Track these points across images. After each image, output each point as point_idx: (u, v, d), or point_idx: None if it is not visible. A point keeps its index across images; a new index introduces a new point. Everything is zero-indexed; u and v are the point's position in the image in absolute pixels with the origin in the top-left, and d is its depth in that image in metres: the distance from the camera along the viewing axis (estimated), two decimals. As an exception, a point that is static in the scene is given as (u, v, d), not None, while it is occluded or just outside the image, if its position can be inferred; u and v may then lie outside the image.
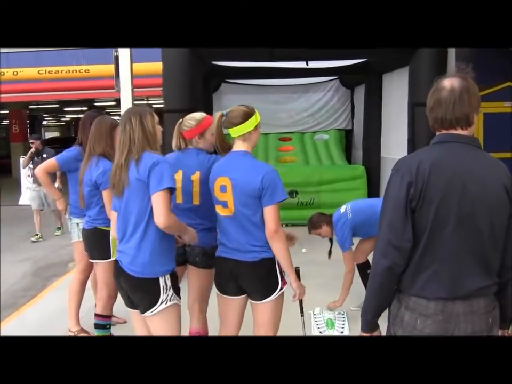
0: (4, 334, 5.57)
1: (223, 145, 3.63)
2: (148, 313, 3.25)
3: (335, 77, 13.07)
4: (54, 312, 6.11)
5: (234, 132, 3.48)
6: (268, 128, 13.05)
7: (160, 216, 3.14)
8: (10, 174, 23.77)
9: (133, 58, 7.37)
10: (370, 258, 5.00)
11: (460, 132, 2.42)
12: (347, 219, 5.56)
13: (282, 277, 3.52)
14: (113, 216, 3.43)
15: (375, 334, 2.55)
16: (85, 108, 26.00)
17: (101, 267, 4.52)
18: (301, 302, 4.20)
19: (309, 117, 13.45)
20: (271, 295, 3.48)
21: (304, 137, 13.25)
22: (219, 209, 3.52)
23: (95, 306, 4.89)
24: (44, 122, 46.03)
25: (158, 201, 3.14)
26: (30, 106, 26.55)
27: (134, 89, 7.58)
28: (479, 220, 2.33)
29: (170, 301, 3.27)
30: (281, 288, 3.51)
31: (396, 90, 9.98)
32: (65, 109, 28.73)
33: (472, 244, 2.35)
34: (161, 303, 3.23)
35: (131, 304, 3.39)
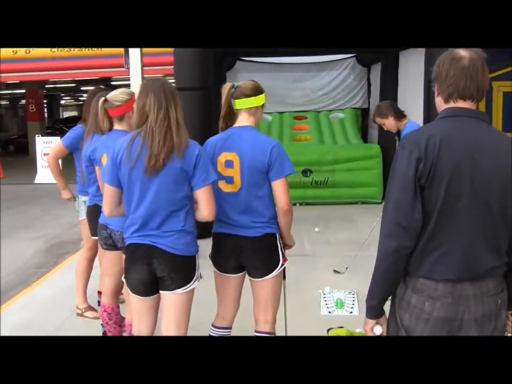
0: (14, 310, 5.62)
1: (229, 119, 3.51)
2: (179, 290, 3.19)
3: (352, 55, 12.89)
4: (64, 289, 6.12)
5: (243, 103, 3.41)
6: (283, 106, 12.95)
7: (209, 210, 3.17)
8: (27, 153, 23.89)
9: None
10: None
11: (469, 105, 2.32)
12: None
13: (283, 253, 3.50)
14: (109, 190, 3.22)
15: (380, 321, 2.46)
16: (102, 87, 25.98)
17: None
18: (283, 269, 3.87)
19: (325, 95, 13.27)
20: (272, 271, 3.45)
21: (320, 115, 13.10)
22: (222, 185, 3.43)
23: (99, 293, 4.84)
24: (62, 102, 46.27)
25: (207, 194, 3.16)
26: (47, 86, 26.60)
27: (145, 68, 7.51)
28: (491, 197, 2.23)
29: (200, 278, 3.28)
30: (282, 265, 3.48)
31: (413, 68, 9.81)
32: (82, 88, 28.73)
33: (483, 223, 2.25)
34: (195, 280, 3.24)
35: (149, 290, 3.25)
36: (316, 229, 8.46)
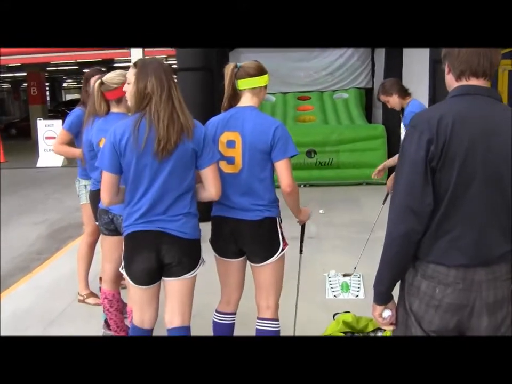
0: (15, 297, 5.56)
1: (233, 99, 3.41)
2: (187, 276, 3.12)
3: (355, 47, 12.72)
4: (65, 275, 6.06)
5: (247, 83, 3.32)
6: (287, 87, 12.82)
7: (217, 188, 3.13)
8: (30, 136, 23.82)
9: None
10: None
11: (482, 83, 2.20)
12: None
13: (283, 237, 3.41)
14: (109, 177, 3.05)
15: (389, 306, 2.37)
16: (104, 69, 25.85)
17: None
18: (303, 228, 3.90)
19: (328, 75, 13.14)
20: (272, 256, 3.36)
21: (323, 96, 12.97)
22: (223, 166, 3.33)
23: (100, 279, 4.76)
24: (64, 85, 46.12)
25: (215, 172, 3.12)
26: (48, 68, 26.46)
27: (146, 49, 7.38)
28: (504, 179, 2.13)
29: (203, 262, 3.23)
30: (282, 249, 3.40)
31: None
32: (85, 70, 28.56)
33: (496, 206, 2.15)
34: (200, 263, 3.19)
35: (154, 279, 3.15)
36: (321, 211, 8.36)
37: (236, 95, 3.38)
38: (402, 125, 5.35)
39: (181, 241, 3.06)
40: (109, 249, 4.01)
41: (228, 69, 3.34)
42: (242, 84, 3.32)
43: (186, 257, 3.09)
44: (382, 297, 2.35)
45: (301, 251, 4.02)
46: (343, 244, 6.68)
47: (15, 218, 9.44)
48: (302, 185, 10.29)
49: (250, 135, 3.26)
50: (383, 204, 5.77)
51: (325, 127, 11.21)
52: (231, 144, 3.31)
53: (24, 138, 25.00)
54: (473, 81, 2.19)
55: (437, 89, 7.95)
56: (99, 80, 3.86)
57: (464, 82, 2.21)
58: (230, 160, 3.32)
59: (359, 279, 5.46)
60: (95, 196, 4.36)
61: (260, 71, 3.36)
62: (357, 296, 5.12)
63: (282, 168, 3.27)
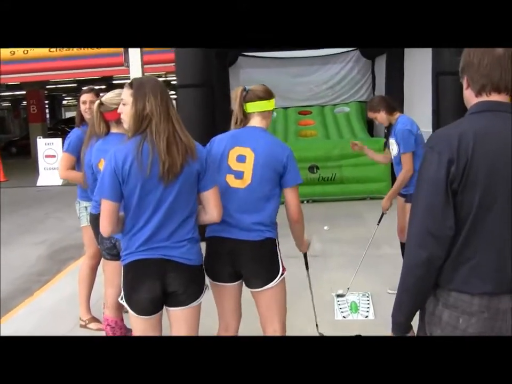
0: (16, 321, 5.43)
1: (242, 122, 3.37)
2: (194, 304, 2.99)
3: (355, 48, 12.67)
4: (67, 298, 5.93)
5: (256, 106, 3.32)
6: (287, 102, 12.77)
7: (219, 210, 3.04)
8: (29, 155, 23.76)
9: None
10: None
11: (503, 98, 2.09)
12: (416, 133, 5.11)
13: (282, 261, 3.33)
14: (110, 206, 2.88)
15: (410, 334, 2.25)
16: (103, 87, 25.89)
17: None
18: (305, 256, 3.92)
19: (329, 89, 13.11)
20: (272, 280, 3.25)
21: (325, 110, 12.92)
22: (230, 180, 3.26)
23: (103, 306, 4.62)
24: (64, 102, 46.14)
25: (217, 194, 3.03)
26: (48, 86, 26.47)
27: (145, 66, 7.30)
28: None
29: (208, 287, 3.13)
30: (281, 274, 3.30)
31: (419, 59, 9.60)
32: (84, 88, 28.58)
33: None
34: (205, 289, 3.07)
35: (157, 308, 3.00)
36: (325, 227, 8.26)
37: (245, 118, 3.34)
38: (391, 140, 5.25)
39: (187, 268, 2.93)
40: (112, 274, 3.89)
41: (237, 92, 3.32)
42: (251, 107, 3.30)
43: (192, 285, 2.96)
44: (401, 328, 2.23)
45: (307, 268, 4.01)
46: (349, 261, 6.54)
47: (15, 238, 9.34)
48: (305, 201, 10.17)
49: (264, 153, 3.22)
50: (378, 224, 5.68)
51: (327, 142, 11.12)
52: (241, 158, 3.25)
53: (24, 156, 24.95)
54: (495, 97, 2.08)
55: (440, 102, 7.86)
56: (98, 101, 3.77)
57: (484, 97, 2.09)
58: (239, 175, 3.24)
59: (368, 298, 5.33)
60: (95, 219, 4.23)
61: (268, 95, 3.36)
62: (367, 316, 4.98)
63: (293, 195, 3.27)
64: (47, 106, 32.55)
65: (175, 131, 2.85)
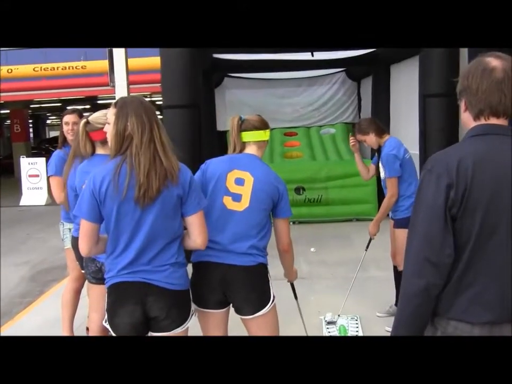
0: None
1: (240, 148, 3.37)
2: (178, 330, 2.89)
3: (341, 69, 12.72)
4: (49, 321, 5.78)
5: (253, 135, 3.35)
6: (273, 123, 12.48)
7: (203, 237, 2.92)
8: (12, 174, 23.55)
9: (128, 54, 6.99)
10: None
11: (502, 122, 2.04)
12: (403, 158, 5.02)
13: (272, 287, 3.29)
14: (88, 226, 2.82)
15: None
16: (87, 106, 25.81)
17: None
18: (292, 286, 3.96)
19: (315, 110, 13.11)
20: (264, 307, 3.19)
21: (310, 131, 12.91)
22: (227, 202, 3.22)
23: (87, 329, 4.51)
24: (48, 122, 45.92)
25: (201, 219, 2.91)
26: (32, 106, 26.35)
27: (131, 86, 7.24)
28: None
29: (195, 313, 3.04)
30: (273, 301, 3.25)
31: (405, 81, 9.65)
32: (68, 108, 28.48)
33: None
34: (191, 315, 2.98)
35: (140, 334, 2.90)
36: (312, 249, 8.20)
37: (241, 146, 3.36)
38: (380, 165, 5.20)
39: (168, 292, 2.84)
40: (97, 298, 3.78)
41: (233, 121, 3.33)
42: (247, 136, 3.33)
43: (174, 310, 2.87)
44: None
45: (295, 297, 4.04)
46: (337, 283, 6.49)
47: (-3, 259, 9.17)
48: (291, 223, 10.08)
49: (263, 180, 3.25)
50: (366, 250, 5.62)
51: (314, 164, 11.10)
52: (240, 181, 3.23)
53: (7, 176, 24.71)
54: (493, 120, 2.03)
55: (427, 123, 7.89)
56: (84, 120, 3.69)
57: (483, 121, 2.05)
58: (237, 197, 3.22)
59: (356, 321, 5.26)
60: (77, 242, 4.14)
61: (264, 125, 3.40)
62: (356, 340, 4.90)
63: (284, 226, 3.33)
64: (31, 125, 32.37)
65: (156, 154, 2.75)
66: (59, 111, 34.59)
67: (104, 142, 3.65)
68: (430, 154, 6.90)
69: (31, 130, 32.05)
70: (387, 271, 5.92)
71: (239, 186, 3.22)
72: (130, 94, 7.40)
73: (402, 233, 4.98)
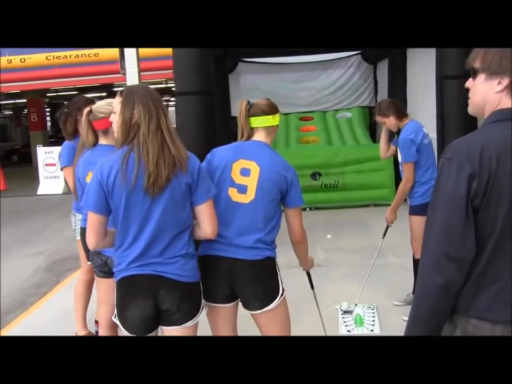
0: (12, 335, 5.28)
1: (248, 134, 3.23)
2: (189, 323, 2.84)
3: (357, 52, 12.54)
4: (63, 312, 5.76)
5: (262, 121, 3.19)
6: (288, 107, 12.62)
7: (213, 226, 2.89)
8: (30, 163, 23.66)
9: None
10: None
11: None
12: (421, 142, 4.88)
13: (281, 281, 3.17)
14: (95, 218, 2.76)
15: None
16: (104, 94, 25.83)
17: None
18: (309, 275, 3.83)
19: (331, 94, 12.97)
20: (273, 301, 3.09)
21: (326, 116, 12.77)
22: (232, 194, 3.10)
23: (96, 322, 4.47)
24: (65, 110, 46.08)
25: (211, 208, 2.87)
26: (48, 94, 26.41)
27: (143, 73, 7.15)
28: None
29: (205, 307, 2.99)
30: (281, 294, 3.13)
31: (422, 63, 9.44)
32: (85, 96, 28.51)
33: None
34: (202, 308, 2.93)
35: (151, 327, 2.85)
36: (328, 236, 8.09)
37: (250, 132, 3.22)
38: (397, 148, 5.07)
39: (180, 285, 2.78)
40: (104, 291, 3.73)
41: (241, 106, 3.18)
42: (255, 121, 3.18)
43: (185, 303, 2.80)
44: None
45: (312, 287, 3.90)
46: (354, 271, 6.39)
47: (13, 249, 9.21)
48: (307, 209, 10.06)
49: (270, 169, 3.09)
50: (383, 237, 5.51)
51: (330, 148, 10.97)
52: (245, 172, 3.10)
53: (25, 164, 24.86)
54: None
55: (444, 106, 7.71)
56: (88, 109, 3.61)
57: (503, 106, 1.89)
58: (242, 189, 3.09)
59: (373, 311, 5.16)
60: (85, 233, 4.09)
61: (273, 109, 3.24)
62: (372, 330, 4.81)
63: (295, 216, 3.17)
64: (48, 114, 32.50)
65: (164, 142, 2.71)
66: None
67: (106, 131, 3.57)
68: (448, 138, 6.78)
69: (48, 119, 32.15)
70: (405, 258, 5.82)
71: (244, 177, 3.09)
72: (142, 81, 7.32)
73: (417, 220, 4.88)
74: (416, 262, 5.10)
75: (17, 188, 17.89)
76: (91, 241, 2.80)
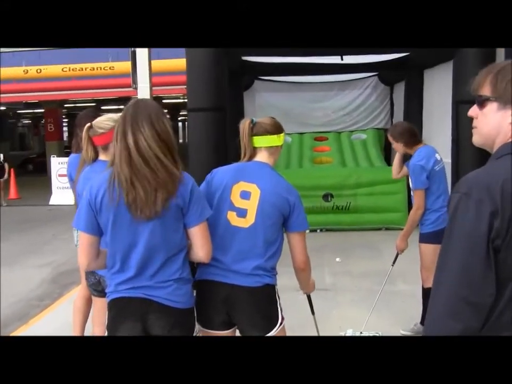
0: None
1: (251, 154, 3.09)
2: None
3: (374, 73, 12.46)
4: (63, 326, 5.64)
5: (264, 140, 3.05)
6: (303, 127, 12.57)
7: (206, 250, 2.75)
8: (45, 172, 23.78)
9: (153, 55, 6.85)
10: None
11: None
12: (432, 169, 4.73)
13: (281, 310, 3.04)
14: (86, 238, 2.68)
15: None
16: (122, 106, 25.95)
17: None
18: (309, 299, 3.70)
19: (346, 115, 12.88)
20: (271, 330, 2.95)
21: (341, 136, 12.67)
22: (231, 217, 2.96)
23: None
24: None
25: (204, 231, 2.73)
26: (66, 105, 26.61)
27: (155, 88, 7.10)
28: None
29: (198, 333, 2.89)
30: (281, 323, 3.00)
31: (438, 86, 9.36)
32: (103, 108, 28.66)
33: None
34: (195, 335, 2.84)
35: None
36: (337, 259, 7.94)
37: (253, 152, 3.08)
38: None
39: (170, 310, 2.66)
40: (98, 311, 3.63)
41: (244, 125, 3.04)
42: (258, 141, 3.05)
43: (177, 330, 2.67)
44: None
45: (312, 312, 3.75)
46: (361, 296, 6.24)
47: (20, 259, 9.18)
48: (318, 230, 9.94)
49: (271, 192, 2.95)
50: (392, 265, 5.37)
51: (343, 170, 10.86)
52: (245, 195, 2.96)
53: (40, 174, 24.96)
54: None
55: (460, 131, 7.59)
56: (88, 124, 3.53)
57: None
58: (242, 213, 2.95)
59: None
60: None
61: (277, 128, 3.10)
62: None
63: (298, 241, 3.02)
64: (66, 125, 32.73)
65: (142, 161, 2.56)
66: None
67: (106, 147, 3.49)
68: (462, 163, 6.63)
69: (65, 129, 32.37)
70: (414, 285, 5.67)
71: (244, 200, 2.96)
72: (155, 95, 7.26)
73: (427, 248, 4.75)
74: (425, 291, 4.97)
75: (30, 197, 17.97)
76: (83, 261, 2.71)
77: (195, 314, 2.81)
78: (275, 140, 3.08)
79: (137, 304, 2.66)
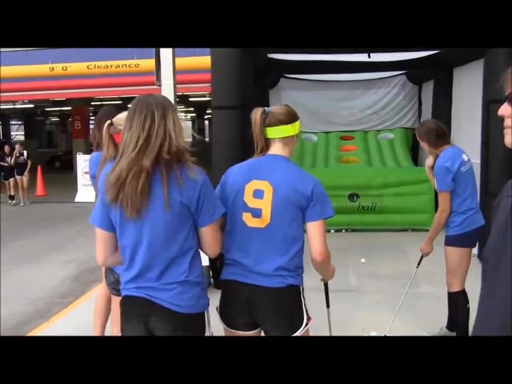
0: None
1: (264, 147, 2.91)
2: None
3: (402, 72, 12.28)
4: (84, 325, 5.61)
5: (278, 131, 2.86)
6: (329, 126, 12.46)
7: (213, 250, 2.70)
8: (72, 169, 23.98)
9: (177, 53, 6.77)
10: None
11: None
12: (457, 171, 4.54)
13: (307, 310, 2.90)
14: (102, 234, 2.63)
15: None
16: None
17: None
18: (326, 288, 3.55)
19: (373, 114, 12.75)
20: (295, 332, 2.83)
21: (368, 136, 12.53)
22: (247, 219, 2.84)
23: None
24: (109, 119, 46.87)
25: (215, 231, 2.67)
26: (93, 103, 26.76)
27: (179, 85, 7.05)
28: None
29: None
30: (306, 324, 2.87)
31: (468, 86, 9.17)
32: (129, 106, 28.78)
33: None
34: None
35: None
36: (362, 260, 7.82)
37: (266, 144, 2.91)
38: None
39: (173, 315, 2.56)
40: (117, 311, 3.57)
41: (256, 115, 2.87)
42: (271, 132, 2.87)
43: (180, 333, 2.57)
44: None
45: (327, 305, 3.61)
46: (386, 299, 6.11)
47: (45, 255, 9.24)
48: (343, 230, 9.84)
49: (284, 186, 2.79)
50: (417, 267, 5.21)
51: (369, 170, 10.72)
52: (258, 194, 2.82)
53: (67, 171, 25.18)
54: None
55: (490, 131, 7.42)
56: (109, 121, 3.47)
57: None
58: (256, 213, 2.81)
59: (403, 343, 4.89)
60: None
61: (291, 117, 2.91)
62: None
63: (315, 230, 2.80)
64: (92, 122, 32.97)
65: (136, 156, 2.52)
66: (121, 109, 35.21)
67: None
68: (492, 164, 6.44)
69: (91, 127, 32.68)
70: (440, 287, 5.53)
71: (258, 199, 2.82)
72: (179, 93, 7.20)
73: (452, 251, 4.60)
74: (450, 296, 4.83)
75: (56, 194, 18.12)
76: (99, 257, 2.69)
77: (206, 319, 2.71)
78: (289, 130, 2.89)
79: (140, 304, 2.61)
